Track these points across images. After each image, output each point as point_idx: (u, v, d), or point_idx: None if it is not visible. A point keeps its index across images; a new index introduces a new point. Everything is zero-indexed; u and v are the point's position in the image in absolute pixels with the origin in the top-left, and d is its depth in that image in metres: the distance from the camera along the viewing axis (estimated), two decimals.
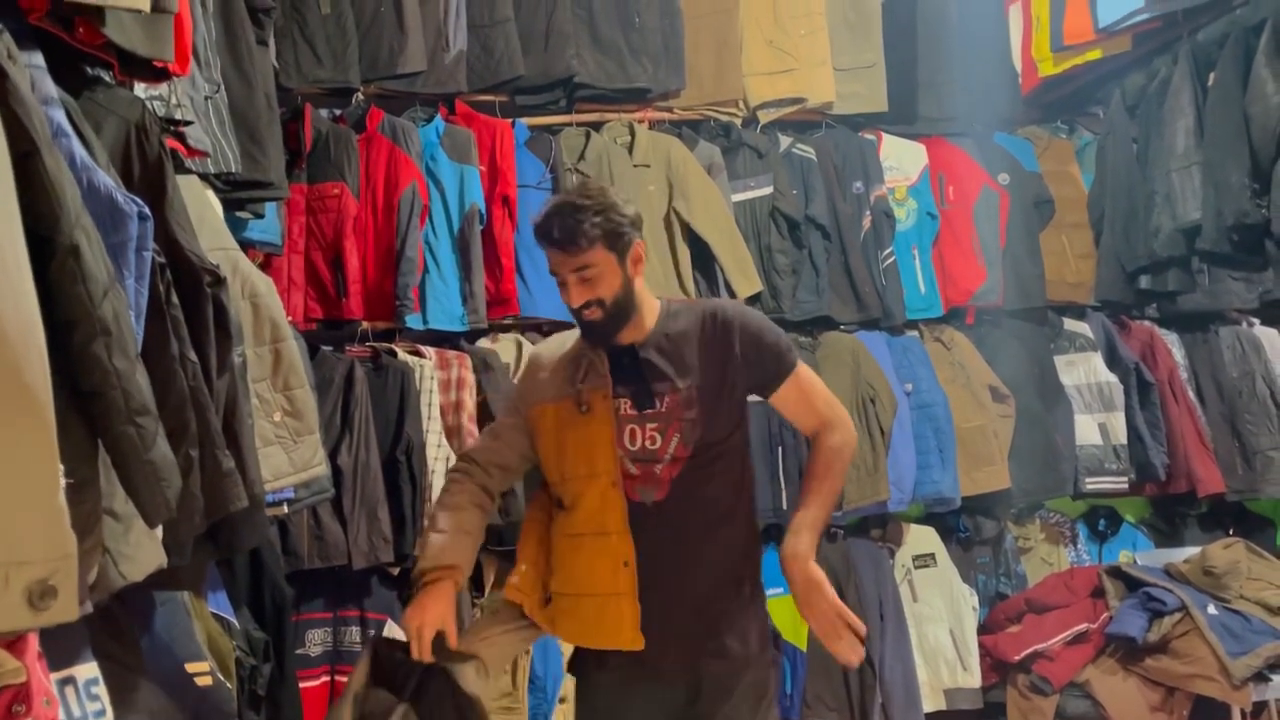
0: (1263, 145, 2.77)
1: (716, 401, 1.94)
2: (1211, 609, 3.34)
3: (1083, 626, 3.50)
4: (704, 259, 3.59)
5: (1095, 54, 3.53)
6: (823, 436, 2.01)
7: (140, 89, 1.73)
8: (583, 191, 1.96)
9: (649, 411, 1.93)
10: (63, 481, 1.00)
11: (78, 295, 1.08)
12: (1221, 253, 3.01)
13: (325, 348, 3.21)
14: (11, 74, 1.06)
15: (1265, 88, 2.75)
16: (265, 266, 3.06)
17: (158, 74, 1.66)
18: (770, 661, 2.06)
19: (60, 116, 1.29)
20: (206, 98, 2.10)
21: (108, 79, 1.59)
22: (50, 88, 1.31)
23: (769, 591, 2.72)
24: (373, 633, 3.15)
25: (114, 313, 1.12)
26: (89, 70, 1.56)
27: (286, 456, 2.13)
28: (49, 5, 1.31)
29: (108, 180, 1.30)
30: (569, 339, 2.07)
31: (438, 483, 3.14)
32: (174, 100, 1.88)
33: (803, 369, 2.03)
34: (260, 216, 2.80)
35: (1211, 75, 3.01)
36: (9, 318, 0.94)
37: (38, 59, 1.30)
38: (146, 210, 1.34)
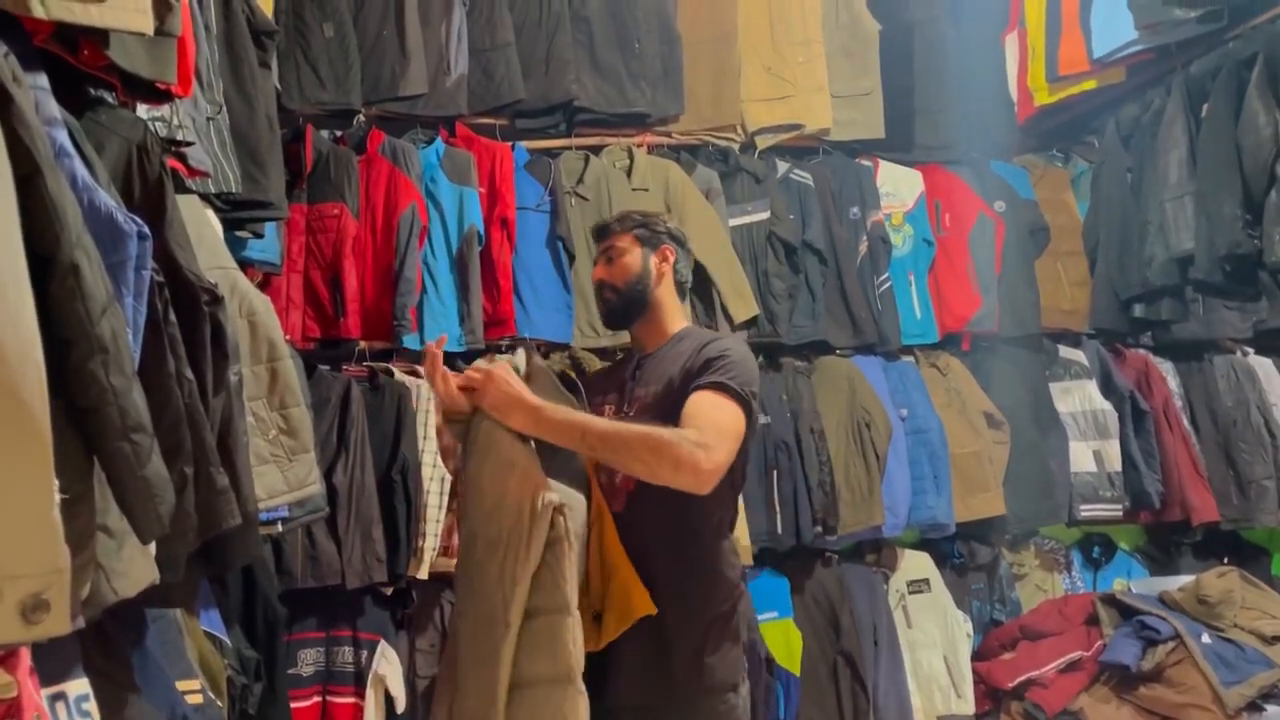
0: (1255, 176, 2.79)
1: (667, 412, 1.90)
2: (1206, 638, 3.34)
3: (1076, 654, 3.50)
4: (701, 283, 3.60)
5: (1090, 84, 3.57)
6: (679, 428, 1.85)
7: (142, 110, 1.74)
8: (644, 208, 2.42)
9: (622, 415, 2.02)
10: (57, 497, 1.01)
11: (76, 313, 1.09)
12: (1215, 282, 3.03)
13: (322, 367, 3.22)
14: (16, 96, 1.08)
15: (1257, 120, 2.78)
16: (264, 286, 3.07)
17: (160, 95, 1.68)
18: (731, 704, 1.96)
19: (63, 137, 1.30)
20: (208, 119, 2.12)
21: (110, 100, 1.60)
22: (54, 108, 1.32)
23: (761, 616, 2.72)
24: (365, 654, 3.15)
25: (112, 331, 1.14)
26: (92, 91, 1.57)
27: (281, 475, 2.13)
28: (54, 27, 1.33)
29: (108, 200, 1.32)
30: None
31: (433, 503, 3.14)
32: (176, 121, 1.90)
33: (716, 394, 1.90)
34: (260, 236, 2.81)
35: (1204, 107, 3.04)
36: (8, 336, 0.95)
37: (42, 80, 1.31)
38: (146, 230, 1.35)
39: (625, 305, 2.14)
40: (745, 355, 2.02)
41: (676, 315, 2.17)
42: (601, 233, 2.22)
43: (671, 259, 2.16)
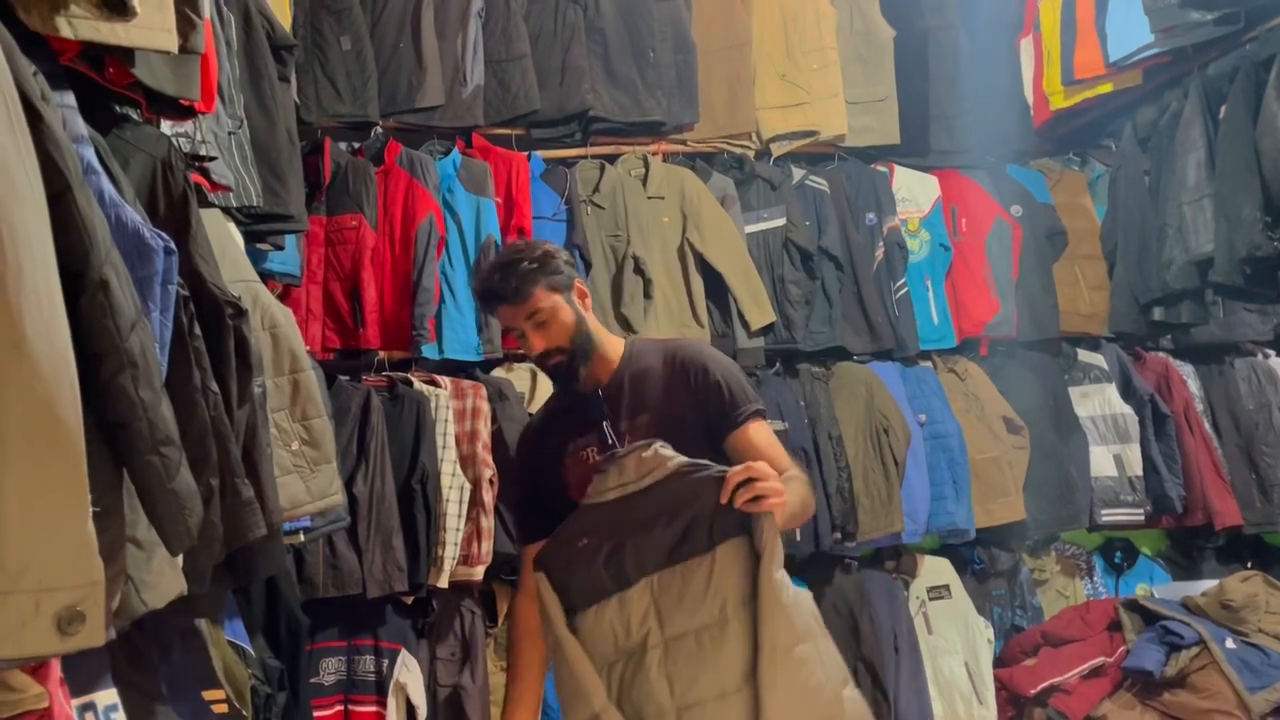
0: (1274, 178, 2.78)
1: (675, 435, 1.87)
2: (1229, 643, 3.31)
3: (1099, 660, 3.48)
4: (718, 290, 3.61)
5: (1106, 87, 3.56)
6: (789, 473, 1.89)
7: (166, 126, 1.77)
8: (511, 248, 2.07)
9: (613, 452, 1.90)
10: (90, 510, 1.02)
11: (106, 329, 1.11)
12: (1234, 285, 3.01)
13: (342, 377, 3.24)
14: (46, 115, 1.09)
15: (1275, 121, 2.77)
16: (284, 297, 3.10)
17: (184, 112, 1.70)
18: None
19: (90, 154, 1.32)
20: (230, 133, 2.15)
21: (135, 117, 1.63)
22: (80, 126, 1.34)
23: None
24: (386, 663, 3.16)
25: (141, 346, 1.15)
26: (117, 108, 1.60)
27: (304, 485, 2.15)
28: (80, 47, 1.35)
29: (135, 216, 1.34)
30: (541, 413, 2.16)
31: (452, 511, 3.15)
32: (199, 137, 1.92)
33: (761, 426, 1.96)
34: (280, 248, 2.83)
35: (1222, 109, 3.03)
36: (43, 352, 0.97)
37: (69, 99, 1.34)
38: (172, 245, 1.37)
39: (576, 360, 1.99)
40: (721, 357, 2.06)
41: (608, 338, 2.07)
42: (511, 297, 1.95)
43: (585, 289, 2.06)
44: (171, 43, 1.41)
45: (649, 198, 3.62)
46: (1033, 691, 3.49)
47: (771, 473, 1.71)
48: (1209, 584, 3.64)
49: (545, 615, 1.82)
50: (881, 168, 3.96)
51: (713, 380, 1.96)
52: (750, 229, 3.72)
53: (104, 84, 1.50)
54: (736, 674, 1.70)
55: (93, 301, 1.11)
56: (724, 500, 1.71)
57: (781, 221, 3.75)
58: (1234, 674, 3.21)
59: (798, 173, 3.84)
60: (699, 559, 1.74)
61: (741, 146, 3.87)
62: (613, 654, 1.76)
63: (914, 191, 3.95)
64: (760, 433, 1.95)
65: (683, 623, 1.72)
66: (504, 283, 1.95)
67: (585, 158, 3.69)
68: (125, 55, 1.44)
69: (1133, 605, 3.60)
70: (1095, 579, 4.03)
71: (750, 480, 1.69)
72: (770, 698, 1.66)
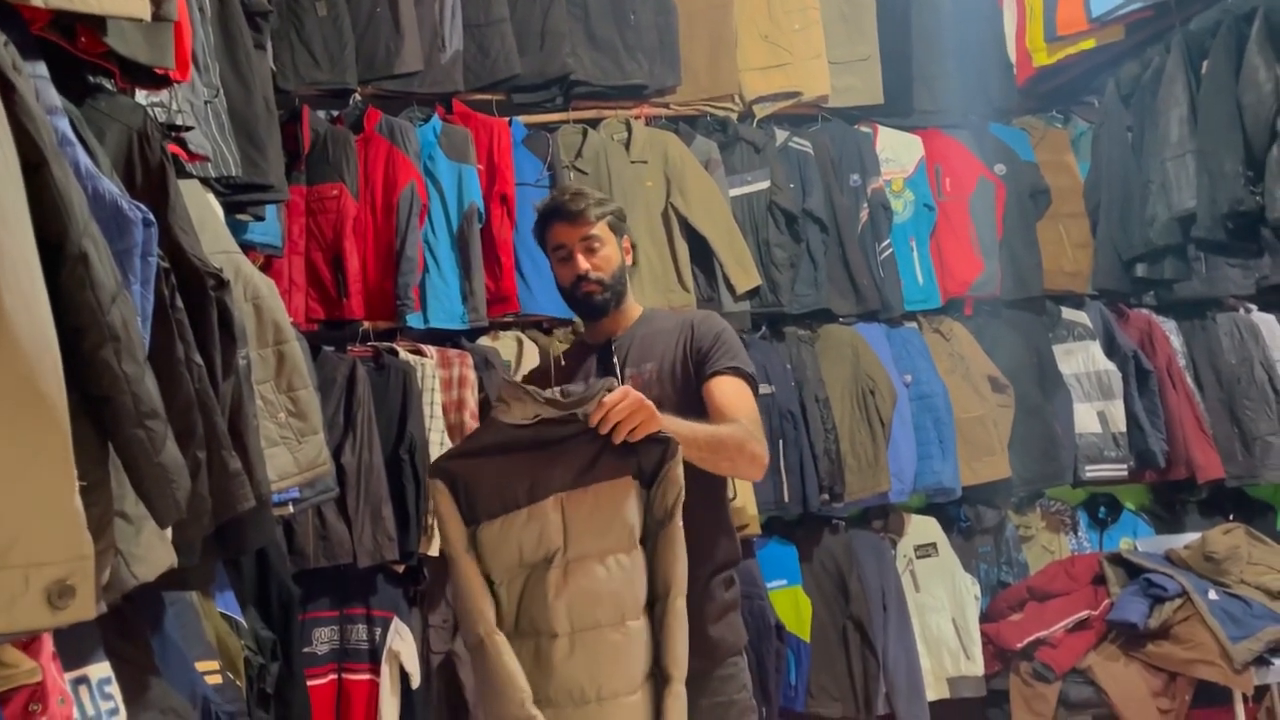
0: (1256, 133, 2.78)
1: (677, 385, 1.99)
2: (1212, 594, 3.36)
3: (1084, 614, 3.53)
4: (703, 254, 3.61)
5: (1089, 44, 3.54)
6: (732, 422, 1.94)
7: (141, 96, 1.74)
8: (582, 186, 2.25)
9: None
10: (77, 484, 1.02)
11: (87, 302, 1.10)
12: (1217, 240, 3.01)
13: (327, 348, 3.22)
14: (18, 86, 1.07)
15: (1257, 75, 2.77)
16: (266, 268, 3.07)
17: (158, 81, 1.67)
18: (740, 667, 2.02)
19: (65, 125, 1.30)
20: (206, 102, 2.12)
21: (109, 87, 1.60)
22: (54, 97, 1.32)
23: (770, 584, 2.72)
24: (379, 631, 3.18)
25: (122, 319, 1.14)
26: (91, 78, 1.57)
27: (291, 457, 2.15)
28: (51, 15, 1.32)
29: (112, 187, 1.32)
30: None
31: None
32: (174, 106, 1.89)
33: (731, 380, 2.00)
34: (261, 219, 2.81)
35: (1204, 64, 3.02)
36: (24, 328, 0.96)
37: (41, 69, 1.31)
38: (150, 216, 1.35)
39: (610, 298, 2.11)
40: (727, 326, 2.12)
41: (632, 299, 2.21)
42: (575, 216, 2.08)
43: (630, 244, 2.20)
44: (144, 10, 1.38)
45: (632, 162, 3.60)
46: (1019, 645, 3.54)
47: (632, 399, 1.71)
48: (1192, 537, 3.69)
49: (442, 531, 1.81)
50: (865, 128, 3.95)
51: (708, 338, 2.04)
52: (734, 192, 3.71)
53: (77, 54, 1.47)
54: (638, 603, 1.73)
55: (72, 275, 1.10)
56: (606, 435, 1.72)
57: (766, 184, 3.74)
58: (1217, 624, 3.26)
59: (781, 135, 3.82)
60: (611, 484, 1.75)
61: (724, 109, 3.84)
62: (515, 566, 1.77)
63: (898, 152, 3.94)
64: (726, 385, 1.99)
65: (590, 544, 1.74)
66: (574, 203, 2.10)
67: (567, 123, 3.67)
68: (97, 23, 1.41)
69: (1117, 559, 3.65)
70: (1080, 534, 4.07)
71: (609, 419, 1.70)
72: (671, 632, 1.72)
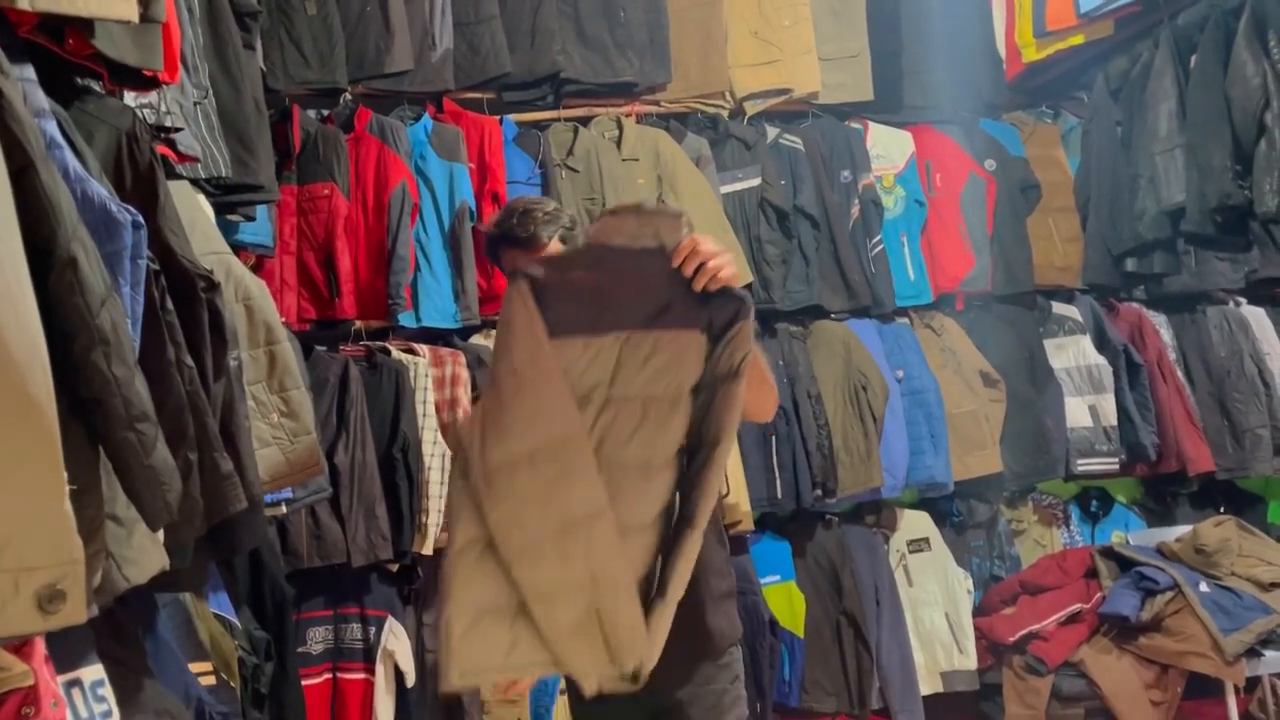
0: (1244, 127, 2.79)
1: None
2: (1204, 586, 3.38)
3: (1076, 607, 3.54)
4: None
5: (1078, 39, 3.55)
6: None
7: (130, 97, 1.74)
8: (525, 199, 2.10)
9: None
10: (68, 489, 1.02)
11: (76, 306, 1.10)
12: (1206, 234, 3.03)
13: (319, 348, 3.22)
14: (5, 90, 1.07)
15: (1245, 70, 2.78)
16: (257, 268, 3.07)
17: (147, 82, 1.67)
18: (736, 658, 2.00)
19: (53, 128, 1.30)
20: (195, 103, 2.12)
21: (98, 89, 1.60)
22: (42, 100, 1.32)
23: (763, 580, 2.72)
24: (373, 630, 3.18)
25: (112, 322, 1.14)
26: (79, 80, 1.57)
27: (284, 457, 2.15)
28: (39, 18, 1.32)
29: (101, 190, 1.32)
30: None
31: (434, 478, 3.16)
32: (164, 107, 1.89)
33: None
34: (251, 219, 2.81)
35: (1193, 58, 3.03)
36: (12, 332, 0.96)
37: (29, 72, 1.31)
38: (140, 219, 1.35)
39: None
40: None
41: None
42: (525, 243, 1.97)
43: None
44: (131, 11, 1.38)
45: (624, 160, 3.60)
46: (1012, 639, 3.56)
47: (715, 247, 1.64)
48: (1183, 530, 3.71)
49: (517, 324, 1.68)
50: (855, 125, 3.95)
51: None
52: (726, 189, 3.71)
53: (64, 56, 1.47)
54: (669, 451, 1.67)
55: (61, 279, 1.10)
56: (680, 281, 1.65)
57: (757, 181, 3.74)
58: (1208, 617, 3.27)
59: (772, 131, 3.83)
60: (676, 334, 1.68)
61: (715, 106, 3.84)
62: None
63: (888, 148, 3.94)
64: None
65: (638, 387, 1.67)
66: (521, 227, 1.98)
67: (558, 121, 3.66)
68: (85, 26, 1.41)
69: (1108, 552, 3.66)
70: (1072, 528, 4.09)
71: (697, 256, 1.62)
72: (706, 479, 1.65)
